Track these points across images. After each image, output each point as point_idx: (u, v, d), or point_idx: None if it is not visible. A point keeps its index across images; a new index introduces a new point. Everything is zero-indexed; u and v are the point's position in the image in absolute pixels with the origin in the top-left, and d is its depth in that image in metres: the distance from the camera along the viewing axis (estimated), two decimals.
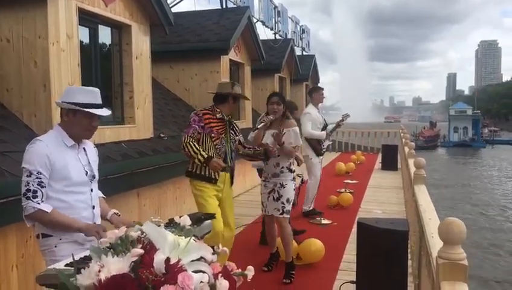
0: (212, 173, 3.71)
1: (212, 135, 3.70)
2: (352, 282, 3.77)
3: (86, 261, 1.53)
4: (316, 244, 4.65)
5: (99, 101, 2.34)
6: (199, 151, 3.59)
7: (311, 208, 6.63)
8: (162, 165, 5.32)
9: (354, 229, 5.58)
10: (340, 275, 4.37)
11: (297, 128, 4.33)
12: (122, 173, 4.58)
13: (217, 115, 3.76)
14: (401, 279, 3.24)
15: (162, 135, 5.90)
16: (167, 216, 1.87)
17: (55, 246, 2.26)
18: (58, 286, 1.22)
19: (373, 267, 3.30)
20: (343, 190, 8.31)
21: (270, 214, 4.29)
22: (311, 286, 4.16)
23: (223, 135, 3.75)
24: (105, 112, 2.36)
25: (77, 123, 2.31)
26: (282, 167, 4.23)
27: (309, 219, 6.44)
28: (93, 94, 2.32)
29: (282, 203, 4.19)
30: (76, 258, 1.79)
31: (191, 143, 3.61)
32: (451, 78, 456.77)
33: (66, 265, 1.73)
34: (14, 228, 3.48)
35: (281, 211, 4.19)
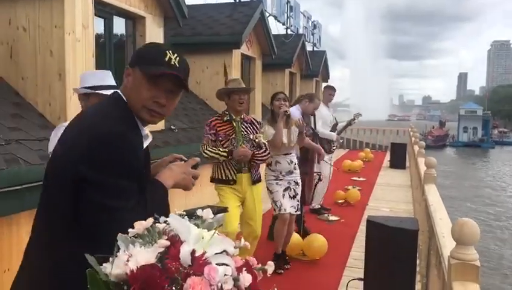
0: (229, 175, 3.78)
1: (220, 138, 3.77)
2: (360, 279, 3.78)
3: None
4: (319, 240, 4.66)
5: (108, 82, 2.33)
6: (218, 151, 3.72)
7: (319, 205, 6.64)
8: None
9: (362, 227, 5.61)
10: (347, 272, 4.39)
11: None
12: None
13: (225, 118, 3.83)
14: (409, 278, 3.24)
15: (172, 127, 5.93)
16: (175, 208, 1.88)
17: None
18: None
19: (381, 265, 3.31)
20: (350, 187, 8.30)
21: (287, 212, 4.17)
22: (318, 282, 4.19)
23: (232, 136, 3.78)
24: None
25: None
26: (295, 164, 4.26)
27: (317, 215, 6.46)
28: (102, 76, 2.33)
29: (298, 201, 4.23)
30: None
31: (207, 149, 3.74)
32: (462, 78, 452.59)
33: None
34: (27, 215, 3.53)
35: (296, 208, 4.22)
